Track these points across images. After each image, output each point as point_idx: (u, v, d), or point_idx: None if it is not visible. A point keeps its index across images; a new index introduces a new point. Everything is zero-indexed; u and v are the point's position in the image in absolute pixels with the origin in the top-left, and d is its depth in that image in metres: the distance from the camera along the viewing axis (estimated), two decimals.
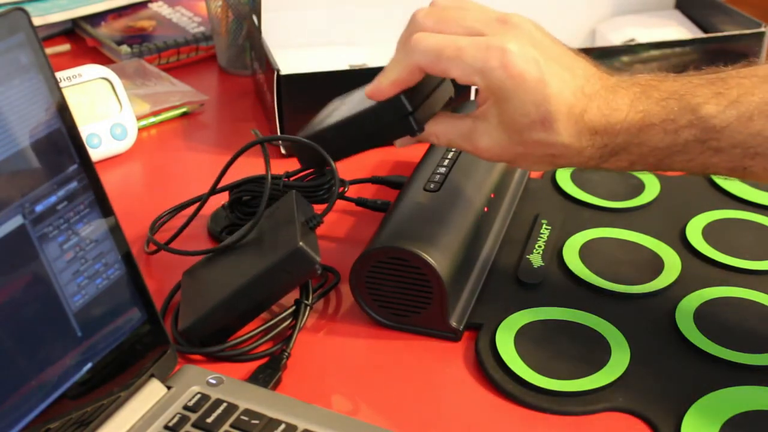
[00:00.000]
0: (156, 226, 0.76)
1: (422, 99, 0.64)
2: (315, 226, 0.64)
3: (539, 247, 0.74)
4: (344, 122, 0.65)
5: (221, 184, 0.75)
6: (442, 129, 0.64)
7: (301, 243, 0.60)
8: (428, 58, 0.60)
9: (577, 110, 0.59)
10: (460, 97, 0.84)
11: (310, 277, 0.65)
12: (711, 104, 0.57)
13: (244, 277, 0.62)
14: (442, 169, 0.73)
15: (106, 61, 1.09)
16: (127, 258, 0.56)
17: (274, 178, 0.76)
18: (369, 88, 0.63)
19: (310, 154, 0.67)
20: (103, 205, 0.55)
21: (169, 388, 0.58)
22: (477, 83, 0.60)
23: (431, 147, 0.78)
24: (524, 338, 0.64)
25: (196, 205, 0.76)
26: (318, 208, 0.70)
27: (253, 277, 0.62)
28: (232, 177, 0.77)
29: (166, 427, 0.55)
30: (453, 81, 0.66)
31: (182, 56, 1.10)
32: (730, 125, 0.57)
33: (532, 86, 0.58)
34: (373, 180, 0.82)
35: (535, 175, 0.85)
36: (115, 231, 0.56)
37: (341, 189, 0.76)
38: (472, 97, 0.90)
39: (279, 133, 0.87)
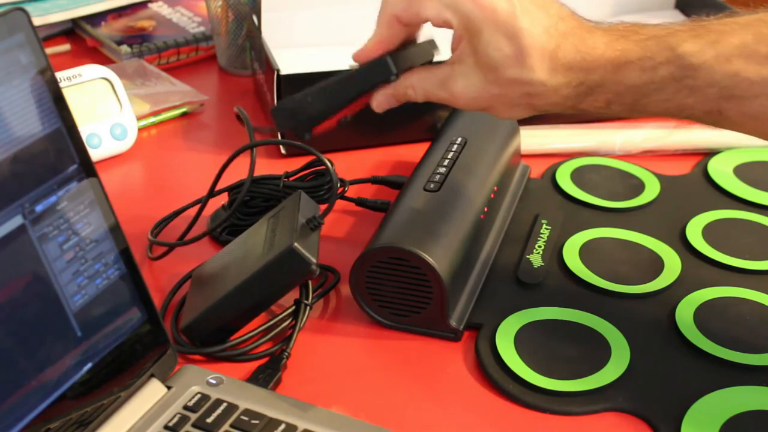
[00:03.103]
0: (155, 232, 0.76)
1: (404, 59, 0.64)
2: (316, 226, 0.64)
3: (539, 247, 0.74)
4: (327, 83, 0.65)
5: (221, 185, 0.75)
6: (416, 79, 0.64)
7: (295, 243, 0.60)
8: (401, 5, 0.61)
9: (550, 46, 0.59)
10: None
11: (308, 278, 0.65)
12: (689, 43, 0.57)
13: (241, 276, 0.62)
14: (442, 169, 0.73)
15: (106, 61, 1.09)
16: (127, 258, 0.56)
17: (273, 178, 0.75)
18: (355, 51, 0.64)
19: (290, 116, 0.66)
20: (103, 206, 0.55)
21: (169, 388, 0.58)
22: (449, 20, 0.60)
23: (431, 147, 0.78)
24: (524, 338, 0.64)
25: (196, 207, 0.76)
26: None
27: (248, 277, 0.62)
28: (232, 177, 0.77)
29: (166, 427, 0.55)
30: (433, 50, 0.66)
31: (182, 56, 1.10)
32: (707, 63, 0.57)
33: (504, 19, 0.58)
34: (373, 180, 0.82)
35: (535, 175, 0.85)
36: (115, 231, 0.56)
37: (341, 189, 0.76)
38: None
39: (279, 133, 0.87)
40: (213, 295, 0.63)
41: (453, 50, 0.63)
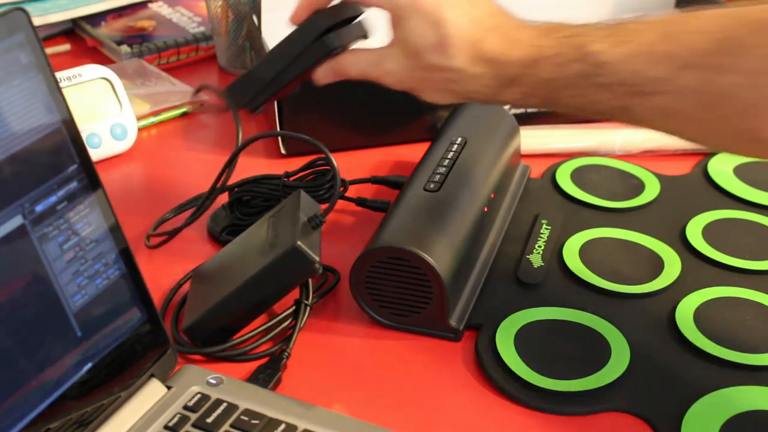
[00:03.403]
0: (155, 231, 0.76)
1: (336, 25, 0.67)
2: (317, 225, 0.64)
3: (539, 247, 0.74)
4: (268, 55, 0.69)
5: (220, 184, 0.75)
6: (353, 58, 0.67)
7: (298, 242, 0.60)
8: None
9: (473, 38, 0.62)
10: None
11: (310, 276, 0.65)
12: (600, 42, 0.60)
13: (244, 276, 0.62)
14: (442, 169, 0.73)
15: (106, 61, 1.09)
16: (127, 258, 0.56)
17: (273, 177, 0.76)
18: (291, 14, 0.68)
19: (240, 92, 0.70)
20: (103, 205, 0.55)
21: (169, 388, 0.58)
22: (380, 3, 0.64)
23: (431, 147, 0.78)
24: (524, 338, 0.64)
25: (196, 206, 0.76)
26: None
27: (251, 277, 0.62)
28: (233, 177, 0.77)
29: (166, 427, 0.55)
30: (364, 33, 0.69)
31: (182, 56, 1.10)
32: (614, 62, 0.59)
33: (430, 9, 0.62)
34: (373, 180, 0.82)
35: (535, 175, 0.85)
36: (115, 231, 0.56)
37: (341, 189, 0.76)
38: None
39: (278, 125, 0.87)
40: (215, 295, 0.63)
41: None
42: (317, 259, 0.61)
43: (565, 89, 0.61)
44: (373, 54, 0.66)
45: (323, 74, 0.68)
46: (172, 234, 0.75)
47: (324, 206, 0.71)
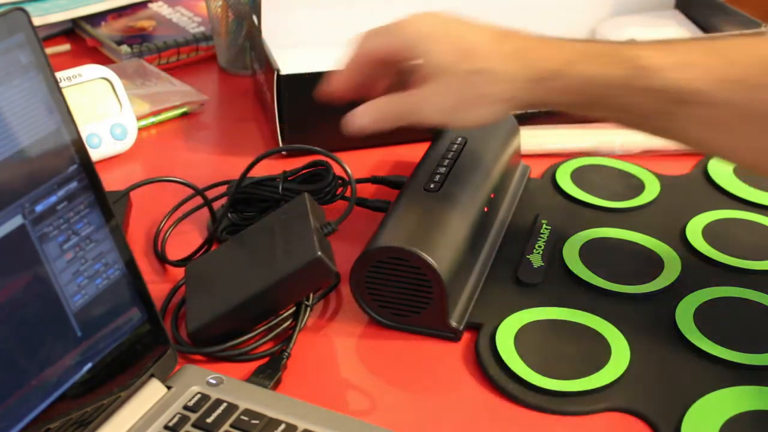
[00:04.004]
0: (157, 230, 0.76)
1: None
2: (330, 233, 0.65)
3: (539, 247, 0.74)
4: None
5: (220, 187, 0.75)
6: (385, 103, 0.67)
7: (319, 253, 0.61)
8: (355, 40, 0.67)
9: (495, 40, 0.63)
10: None
11: (324, 285, 0.65)
12: (647, 50, 0.61)
13: (260, 283, 0.62)
14: (442, 169, 0.73)
15: (106, 61, 1.09)
16: (127, 258, 0.56)
17: (271, 179, 0.76)
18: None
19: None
20: (103, 205, 0.55)
21: (169, 388, 0.58)
22: (393, 44, 0.65)
23: (431, 147, 0.78)
24: (524, 338, 0.64)
25: (195, 204, 0.76)
26: None
27: (270, 284, 0.62)
28: (234, 177, 0.77)
29: (166, 427, 0.55)
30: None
31: (182, 56, 1.10)
32: (660, 68, 0.60)
33: (442, 32, 0.64)
34: (373, 180, 0.82)
35: (535, 175, 0.85)
36: (115, 231, 0.56)
37: (340, 190, 0.76)
38: None
39: (279, 132, 0.87)
40: (226, 300, 0.63)
41: (414, 82, 0.66)
42: (335, 269, 0.62)
43: (608, 89, 0.61)
44: (404, 93, 0.66)
45: (363, 122, 0.67)
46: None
47: (326, 206, 0.71)
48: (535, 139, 0.88)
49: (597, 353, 0.63)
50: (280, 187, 0.74)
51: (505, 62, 0.63)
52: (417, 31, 0.64)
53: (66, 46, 1.14)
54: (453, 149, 0.76)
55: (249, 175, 0.74)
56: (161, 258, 0.74)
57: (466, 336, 0.66)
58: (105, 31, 1.13)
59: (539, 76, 0.62)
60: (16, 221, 0.50)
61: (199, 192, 0.74)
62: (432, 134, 0.82)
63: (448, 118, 0.65)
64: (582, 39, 0.64)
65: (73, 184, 0.53)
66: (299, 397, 0.58)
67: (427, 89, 0.64)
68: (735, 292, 0.69)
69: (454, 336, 0.65)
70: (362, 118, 0.67)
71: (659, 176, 0.85)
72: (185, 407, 0.56)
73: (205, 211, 0.77)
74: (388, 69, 0.67)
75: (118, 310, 0.56)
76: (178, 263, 0.72)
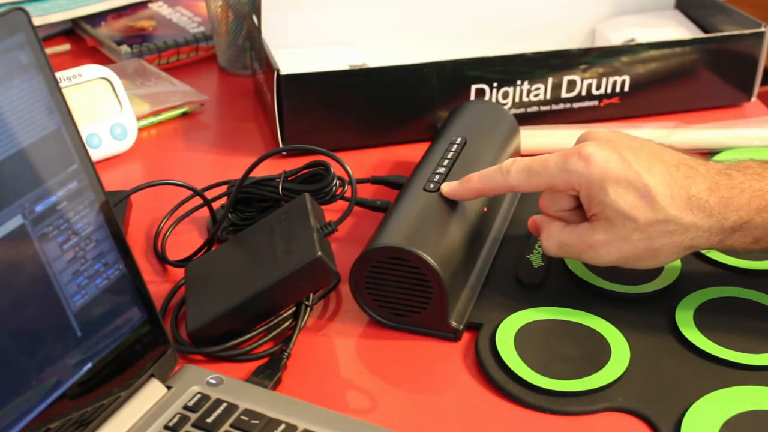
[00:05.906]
0: (157, 231, 0.76)
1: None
2: (330, 233, 0.65)
3: (539, 247, 0.74)
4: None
5: (220, 188, 0.75)
6: (564, 234, 0.66)
7: (320, 253, 0.61)
8: (521, 177, 0.65)
9: (676, 186, 0.62)
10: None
11: (324, 285, 0.65)
12: None
13: (260, 283, 0.62)
14: (442, 169, 0.73)
15: (106, 61, 1.09)
16: (127, 258, 0.56)
17: (271, 179, 0.75)
18: (448, 188, 0.69)
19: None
20: (103, 205, 0.55)
21: (169, 388, 0.58)
22: (567, 183, 0.64)
23: (431, 147, 0.78)
24: (524, 338, 0.64)
25: (195, 204, 0.76)
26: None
27: (270, 284, 0.62)
28: (233, 177, 0.77)
29: (166, 427, 0.55)
30: None
31: (182, 56, 1.10)
32: None
33: (621, 173, 0.62)
34: (373, 180, 0.82)
35: None
36: (115, 231, 0.56)
37: (340, 190, 0.76)
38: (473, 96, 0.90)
39: (279, 132, 0.87)
40: (226, 300, 0.63)
41: (588, 217, 0.66)
42: (335, 269, 0.62)
43: None
44: (576, 231, 0.65)
45: (546, 252, 0.67)
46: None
47: (326, 206, 0.71)
48: (535, 139, 0.88)
49: (597, 353, 0.63)
50: (280, 187, 0.74)
51: (686, 211, 0.62)
52: (602, 174, 0.62)
53: (66, 46, 1.14)
54: (453, 149, 0.76)
55: (253, 175, 0.74)
56: (161, 258, 0.74)
57: (466, 336, 0.66)
58: (105, 31, 1.13)
59: (727, 227, 0.62)
60: (16, 221, 0.50)
61: (198, 192, 0.74)
62: (432, 134, 0.82)
63: (626, 264, 0.65)
64: (751, 170, 0.64)
65: (73, 184, 0.53)
66: (299, 397, 0.58)
67: (610, 234, 0.63)
68: (735, 292, 0.69)
69: (454, 336, 0.65)
70: (546, 250, 0.67)
71: None
72: (185, 407, 0.56)
73: (205, 211, 0.77)
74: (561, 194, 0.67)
75: (118, 310, 0.56)
76: (178, 263, 0.73)
